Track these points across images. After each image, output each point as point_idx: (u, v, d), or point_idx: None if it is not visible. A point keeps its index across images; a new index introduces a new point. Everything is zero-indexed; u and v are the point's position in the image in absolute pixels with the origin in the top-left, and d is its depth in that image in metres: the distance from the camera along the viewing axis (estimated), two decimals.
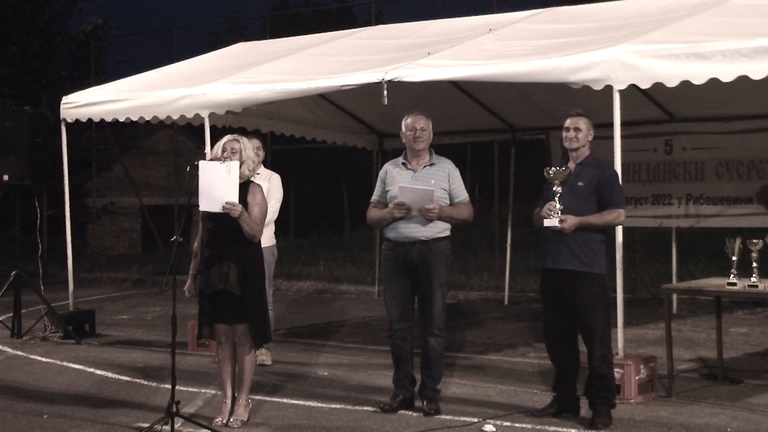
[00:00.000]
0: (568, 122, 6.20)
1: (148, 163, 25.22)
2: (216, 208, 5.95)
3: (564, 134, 6.20)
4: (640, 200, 10.78)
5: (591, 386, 6.12)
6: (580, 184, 6.09)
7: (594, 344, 6.03)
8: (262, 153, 7.95)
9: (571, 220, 5.98)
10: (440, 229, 6.38)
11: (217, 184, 5.94)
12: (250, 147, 6.24)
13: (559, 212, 6.00)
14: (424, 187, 6.29)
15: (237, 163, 5.98)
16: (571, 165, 6.20)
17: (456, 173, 6.49)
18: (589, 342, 6.06)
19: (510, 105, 11.04)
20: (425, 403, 6.37)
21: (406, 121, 6.47)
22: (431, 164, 6.47)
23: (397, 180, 6.45)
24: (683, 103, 9.96)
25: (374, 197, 6.63)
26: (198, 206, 6.04)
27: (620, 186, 6.25)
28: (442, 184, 6.39)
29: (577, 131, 6.17)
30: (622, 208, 6.14)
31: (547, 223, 6.03)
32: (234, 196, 5.93)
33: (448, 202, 6.41)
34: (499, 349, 9.10)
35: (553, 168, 6.10)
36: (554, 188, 6.05)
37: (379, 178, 6.64)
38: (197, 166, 6.07)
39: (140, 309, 12.89)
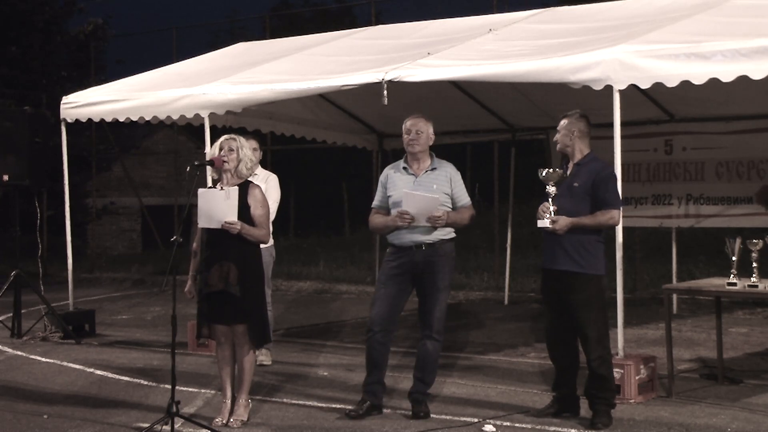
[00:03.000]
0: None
1: (148, 163, 25.20)
2: (215, 225, 5.99)
3: None
4: (640, 200, 10.78)
5: (591, 386, 6.11)
6: (576, 184, 6.08)
7: (590, 345, 6.02)
8: (258, 153, 7.94)
9: (563, 222, 5.97)
10: (445, 232, 6.34)
11: (215, 207, 5.97)
12: (247, 146, 6.24)
13: (552, 213, 5.99)
14: (431, 195, 6.24)
15: (236, 189, 5.99)
16: (570, 165, 6.19)
17: (458, 177, 6.45)
18: (585, 343, 6.05)
19: (510, 105, 11.04)
20: (414, 405, 6.31)
21: (406, 124, 6.43)
22: (432, 169, 6.41)
23: (398, 185, 6.40)
24: (683, 103, 9.96)
25: (375, 202, 6.57)
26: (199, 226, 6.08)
27: (615, 186, 6.22)
28: (444, 188, 6.35)
29: (558, 132, 6.22)
30: (616, 209, 6.11)
31: (540, 224, 6.04)
32: (233, 216, 5.95)
33: (450, 206, 6.37)
34: (499, 349, 9.10)
35: (546, 169, 6.09)
36: (548, 189, 6.04)
37: (380, 183, 6.59)
38: (197, 165, 6.08)
39: (140, 309, 12.89)
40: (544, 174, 6.08)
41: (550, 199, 6.04)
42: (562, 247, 6.02)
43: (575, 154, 6.19)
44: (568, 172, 6.14)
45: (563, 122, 6.24)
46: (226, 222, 5.95)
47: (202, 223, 6.05)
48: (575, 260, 6.00)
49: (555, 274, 6.09)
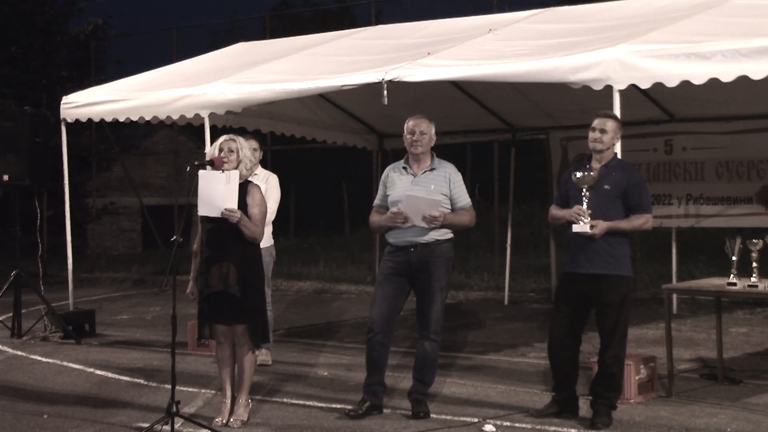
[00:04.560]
0: (595, 122, 6.12)
1: (148, 163, 25.21)
2: (215, 213, 5.96)
3: (590, 134, 6.11)
4: None
5: (598, 384, 6.11)
6: (607, 187, 6.02)
7: (612, 343, 6.01)
8: (258, 154, 7.92)
9: (602, 226, 5.93)
10: (441, 233, 6.31)
11: (216, 192, 5.95)
12: (246, 146, 6.23)
13: (589, 217, 5.95)
14: (431, 197, 6.22)
15: (236, 173, 5.98)
16: (595, 165, 6.11)
17: (457, 177, 6.41)
18: (608, 341, 6.03)
19: (510, 105, 11.04)
20: (414, 405, 6.31)
21: (408, 124, 6.39)
22: (432, 169, 6.39)
23: (397, 185, 6.39)
24: (683, 103, 9.96)
25: (376, 201, 6.57)
26: (197, 209, 6.05)
27: (648, 191, 6.21)
28: (441, 188, 6.32)
29: (603, 133, 6.08)
30: (650, 213, 6.10)
31: (576, 228, 5.96)
32: (233, 203, 5.93)
33: (448, 206, 6.34)
34: (499, 349, 9.10)
35: (579, 172, 6.01)
36: (583, 193, 5.96)
37: (381, 182, 6.58)
38: (198, 165, 6.07)
39: (140, 309, 12.89)
40: (578, 176, 5.98)
41: (585, 203, 5.98)
42: (594, 250, 5.97)
43: (606, 156, 6.14)
44: (593, 172, 6.05)
45: (608, 123, 6.10)
46: (225, 209, 5.93)
47: (202, 210, 6.01)
48: (608, 262, 5.98)
49: (584, 277, 6.02)
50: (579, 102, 9.47)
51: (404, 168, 6.45)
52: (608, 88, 6.91)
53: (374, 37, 10.41)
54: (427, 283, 6.29)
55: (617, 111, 6.84)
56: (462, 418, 6.22)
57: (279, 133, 11.30)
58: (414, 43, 9.34)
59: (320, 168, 28.36)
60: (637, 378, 6.65)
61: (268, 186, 7.90)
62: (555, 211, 6.25)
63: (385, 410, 6.41)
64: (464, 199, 6.41)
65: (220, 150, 6.11)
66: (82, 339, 9.72)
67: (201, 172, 6.04)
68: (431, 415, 6.27)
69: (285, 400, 6.86)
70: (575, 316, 6.14)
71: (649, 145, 10.73)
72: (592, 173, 6.00)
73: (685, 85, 6.71)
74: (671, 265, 11.19)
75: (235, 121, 10.17)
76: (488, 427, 6.00)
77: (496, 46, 8.33)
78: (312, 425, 6.16)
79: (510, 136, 12.12)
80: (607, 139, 6.10)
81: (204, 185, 5.97)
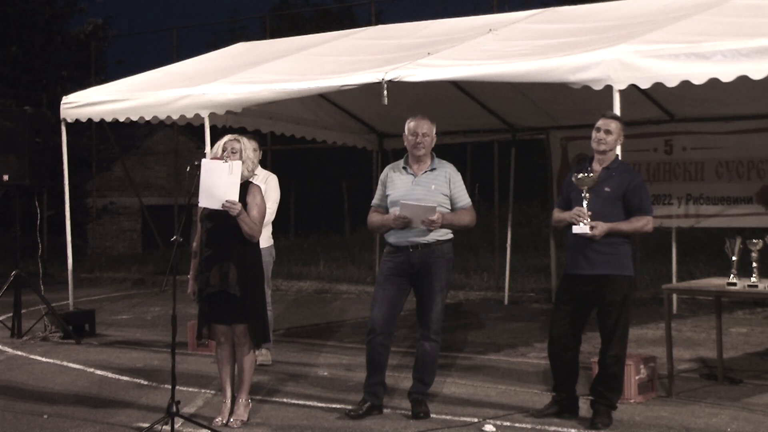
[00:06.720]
0: (599, 123, 6.10)
1: (148, 163, 25.23)
2: (215, 205, 5.94)
3: (594, 134, 6.09)
4: None
5: (598, 383, 6.10)
6: (607, 189, 6.02)
7: (612, 342, 6.01)
8: (258, 154, 7.90)
9: (602, 227, 5.93)
10: (442, 233, 6.31)
11: (218, 182, 5.93)
12: (250, 147, 6.24)
13: (589, 219, 5.95)
14: (426, 204, 6.19)
15: (239, 163, 5.98)
16: (597, 166, 6.11)
17: (457, 178, 6.41)
18: (608, 340, 6.03)
19: (510, 105, 11.04)
20: (414, 405, 6.31)
21: (409, 125, 6.37)
22: (432, 169, 6.38)
23: (397, 184, 6.38)
24: (683, 103, 9.97)
25: (375, 201, 6.55)
26: (198, 204, 6.05)
27: (648, 193, 6.21)
28: (442, 189, 6.32)
29: (608, 134, 6.07)
30: (651, 215, 6.10)
31: (576, 230, 5.97)
32: (234, 195, 5.93)
33: (449, 207, 6.33)
34: (499, 349, 9.10)
35: (580, 174, 6.01)
36: (583, 194, 5.96)
37: (380, 182, 6.56)
38: (197, 165, 6.05)
39: (140, 309, 12.89)
40: (578, 177, 5.98)
41: (584, 204, 5.97)
42: (596, 251, 5.98)
43: (608, 158, 6.13)
44: (593, 174, 6.05)
45: (612, 125, 6.09)
46: (227, 201, 5.92)
47: (203, 202, 5.98)
48: (610, 263, 5.99)
49: (586, 278, 6.02)
50: (579, 102, 9.48)
51: (404, 168, 6.44)
52: (608, 88, 6.91)
53: (374, 37, 10.41)
54: (427, 283, 6.28)
55: (617, 111, 6.83)
56: (462, 418, 6.22)
57: (279, 133, 11.30)
58: (414, 43, 9.34)
59: (320, 168, 28.36)
60: (637, 378, 6.65)
61: (268, 186, 7.89)
62: (557, 213, 6.25)
63: (385, 410, 6.41)
64: (464, 199, 6.40)
65: (223, 150, 6.10)
66: (82, 339, 9.72)
67: (204, 161, 6.02)
68: (431, 415, 6.27)
69: (285, 400, 6.86)
70: (576, 317, 6.14)
71: (649, 145, 10.73)
72: (592, 174, 6.00)
73: (685, 85, 6.71)
74: (671, 265, 11.19)
75: (235, 121, 10.17)
76: (488, 427, 6.00)
77: (496, 46, 8.33)
78: (312, 425, 6.17)
79: (510, 136, 12.13)
80: (611, 140, 6.10)
81: (206, 175, 5.94)
